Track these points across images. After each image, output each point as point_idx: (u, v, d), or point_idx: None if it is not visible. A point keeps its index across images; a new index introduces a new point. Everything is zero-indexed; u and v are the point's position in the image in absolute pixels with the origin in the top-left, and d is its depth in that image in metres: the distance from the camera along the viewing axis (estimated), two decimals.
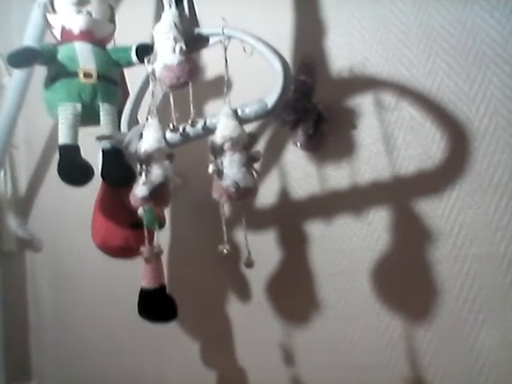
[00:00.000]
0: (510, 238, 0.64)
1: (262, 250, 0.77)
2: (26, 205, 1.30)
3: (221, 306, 0.92)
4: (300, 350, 0.82)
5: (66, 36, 0.73)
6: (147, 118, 0.65)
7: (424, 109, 0.70)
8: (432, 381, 0.69)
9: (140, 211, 0.67)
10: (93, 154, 0.72)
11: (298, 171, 0.82)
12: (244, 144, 0.60)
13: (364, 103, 0.75)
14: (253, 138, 0.62)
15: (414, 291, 0.71)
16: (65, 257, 1.21)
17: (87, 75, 0.71)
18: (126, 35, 0.77)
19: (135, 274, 0.82)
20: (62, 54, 0.71)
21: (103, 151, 0.73)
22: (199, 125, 0.63)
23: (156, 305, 0.81)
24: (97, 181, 0.73)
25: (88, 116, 0.71)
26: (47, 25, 0.75)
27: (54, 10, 0.74)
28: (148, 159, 0.62)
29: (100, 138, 0.72)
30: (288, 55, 0.78)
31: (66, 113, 0.69)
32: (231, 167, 0.59)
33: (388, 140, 0.73)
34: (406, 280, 0.72)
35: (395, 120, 0.73)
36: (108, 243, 0.80)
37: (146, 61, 0.65)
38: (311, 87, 0.78)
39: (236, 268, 0.86)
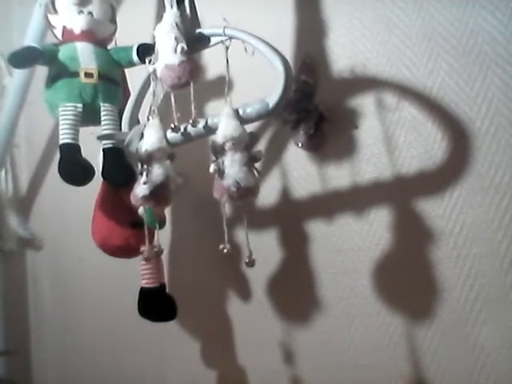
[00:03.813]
0: (511, 238, 0.64)
1: (263, 250, 0.77)
2: (27, 204, 1.30)
3: (221, 306, 0.92)
4: (300, 349, 0.82)
5: (67, 36, 0.73)
6: (148, 118, 0.65)
7: (425, 109, 0.70)
8: (433, 380, 0.69)
9: (140, 211, 0.67)
10: (94, 154, 0.73)
11: (299, 171, 0.82)
12: (245, 144, 0.60)
13: (365, 103, 0.75)
14: (254, 137, 0.62)
15: (415, 291, 0.71)
16: (65, 256, 1.21)
17: (88, 75, 0.71)
18: (128, 35, 0.77)
19: (135, 274, 0.82)
20: (63, 53, 0.71)
21: (104, 151, 0.73)
22: (200, 124, 0.63)
23: (156, 304, 0.82)
24: (97, 180, 0.73)
25: (89, 116, 0.71)
26: (48, 25, 0.75)
27: (55, 10, 0.74)
28: (149, 159, 0.63)
29: (101, 138, 0.72)
30: (289, 55, 0.77)
31: (66, 112, 0.70)
32: (232, 167, 0.59)
33: (389, 140, 0.73)
34: (407, 279, 0.72)
35: (396, 120, 0.73)
36: (108, 242, 0.80)
37: (147, 61, 0.65)
38: (312, 87, 0.78)
39: (237, 267, 0.86)
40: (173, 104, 0.63)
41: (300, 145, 0.79)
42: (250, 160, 0.60)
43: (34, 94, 1.06)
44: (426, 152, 0.70)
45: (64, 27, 0.73)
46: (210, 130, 0.63)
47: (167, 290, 0.83)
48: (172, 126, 0.63)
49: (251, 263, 0.64)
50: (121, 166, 0.71)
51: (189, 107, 0.62)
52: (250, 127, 0.62)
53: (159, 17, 0.65)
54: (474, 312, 0.66)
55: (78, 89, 0.70)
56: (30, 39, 0.97)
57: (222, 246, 0.62)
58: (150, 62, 0.64)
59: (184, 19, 0.64)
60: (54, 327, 1.25)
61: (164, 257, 0.82)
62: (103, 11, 0.74)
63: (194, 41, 0.64)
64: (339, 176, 0.78)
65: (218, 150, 0.60)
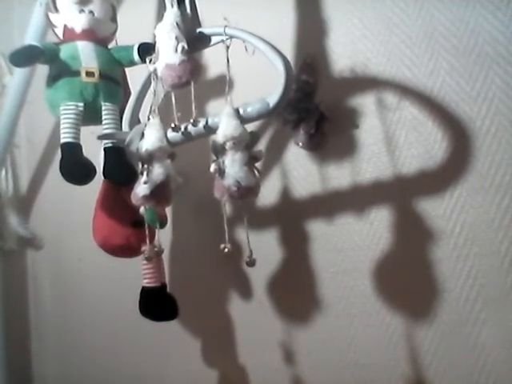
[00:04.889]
0: None
1: (264, 249, 0.77)
2: (28, 203, 1.30)
3: (222, 305, 0.93)
4: (301, 348, 0.82)
5: (68, 35, 0.73)
6: (149, 117, 0.65)
7: (426, 108, 0.70)
8: (433, 380, 0.69)
9: (141, 210, 0.67)
10: (95, 153, 0.73)
11: (300, 170, 0.82)
12: (246, 143, 0.60)
13: (366, 103, 0.75)
14: (255, 137, 0.62)
15: (415, 290, 0.71)
16: (66, 255, 1.21)
17: (89, 74, 0.71)
18: (128, 34, 0.77)
19: (136, 273, 0.82)
20: (64, 52, 0.71)
21: (105, 150, 0.73)
22: (201, 124, 0.63)
23: (157, 304, 0.82)
24: (98, 179, 0.73)
25: (90, 115, 0.71)
26: (49, 24, 0.75)
27: (55, 9, 0.74)
28: (149, 158, 0.63)
29: (101, 137, 0.72)
30: (290, 55, 0.78)
31: (67, 112, 0.70)
32: (233, 166, 0.59)
33: (390, 140, 0.73)
34: (408, 279, 0.72)
35: (397, 120, 0.73)
36: (109, 242, 0.80)
37: (147, 60, 0.65)
38: (313, 87, 0.78)
39: (237, 267, 0.86)
40: (173, 103, 0.63)
41: (300, 144, 0.79)
42: (251, 159, 0.60)
43: (34, 93, 1.06)
44: (426, 152, 0.70)
45: (65, 26, 0.73)
46: (210, 129, 0.63)
47: (168, 290, 0.83)
48: (172, 125, 0.63)
49: (252, 263, 0.64)
50: (122, 165, 0.71)
51: (189, 107, 0.62)
52: (250, 127, 0.62)
53: (160, 16, 0.65)
54: (474, 312, 0.66)
55: (79, 88, 0.70)
56: (30, 38, 0.97)
57: (222, 246, 0.62)
58: (150, 62, 0.64)
59: (184, 18, 0.64)
60: (54, 326, 1.25)
61: (165, 256, 0.82)
62: (104, 10, 0.74)
63: (194, 40, 0.64)
64: (340, 175, 0.78)
65: (219, 150, 0.60)
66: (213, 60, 0.64)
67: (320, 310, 0.80)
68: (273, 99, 0.59)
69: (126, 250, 0.79)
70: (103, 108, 0.71)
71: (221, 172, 0.59)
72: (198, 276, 0.95)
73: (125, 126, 0.71)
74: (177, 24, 0.63)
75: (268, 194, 0.85)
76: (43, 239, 1.26)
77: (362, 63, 0.76)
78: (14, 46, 0.70)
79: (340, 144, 0.78)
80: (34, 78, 1.05)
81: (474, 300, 0.66)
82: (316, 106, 0.77)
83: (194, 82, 0.61)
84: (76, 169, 0.69)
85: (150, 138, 0.63)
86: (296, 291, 0.82)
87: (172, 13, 0.64)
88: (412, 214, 0.71)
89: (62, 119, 0.70)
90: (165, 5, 0.65)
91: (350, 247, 0.77)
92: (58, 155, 0.69)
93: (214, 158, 0.61)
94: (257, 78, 0.76)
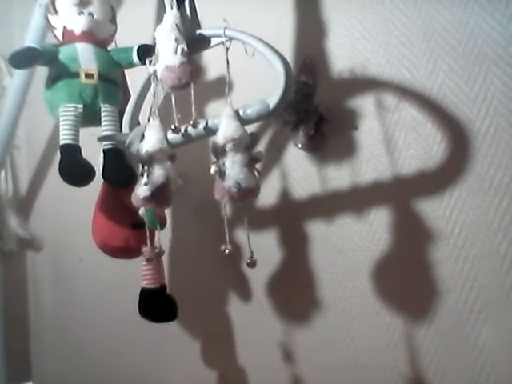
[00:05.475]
0: (511, 239, 0.64)
1: (263, 250, 0.77)
2: (27, 205, 1.30)
3: (221, 306, 0.93)
4: (300, 349, 0.82)
5: (68, 37, 0.73)
6: (149, 119, 0.65)
7: (425, 110, 0.70)
8: (432, 380, 0.70)
9: (141, 211, 0.67)
10: (94, 155, 0.73)
11: (299, 172, 0.83)
12: (246, 145, 0.60)
13: (365, 104, 0.75)
14: (255, 138, 0.62)
15: (414, 291, 0.71)
16: (66, 256, 1.22)
17: (88, 76, 0.71)
18: (128, 36, 0.77)
19: (136, 274, 0.82)
20: (64, 54, 0.71)
21: (104, 152, 0.73)
22: (201, 125, 0.63)
23: (156, 305, 0.82)
24: (98, 181, 0.73)
25: (89, 116, 0.71)
26: (48, 25, 0.75)
27: (55, 11, 0.74)
28: (150, 160, 0.63)
29: (101, 139, 0.72)
30: (289, 56, 0.78)
31: (67, 113, 0.70)
32: (233, 168, 0.59)
33: (389, 141, 0.73)
34: (407, 280, 0.72)
35: (396, 121, 0.73)
36: (109, 243, 0.80)
37: (147, 62, 0.65)
38: (312, 88, 0.78)
39: (237, 268, 0.86)
40: (173, 105, 0.63)
41: (300, 146, 0.80)
42: (251, 161, 0.60)
43: (33, 94, 1.06)
44: (425, 153, 0.70)
45: (64, 28, 0.73)
46: (210, 130, 0.63)
47: (168, 291, 0.84)
48: (172, 126, 0.63)
49: (253, 264, 0.64)
50: (121, 167, 0.71)
51: (189, 108, 0.62)
52: (250, 128, 0.62)
53: (159, 18, 0.65)
54: (473, 313, 0.66)
55: (78, 89, 0.70)
56: (30, 40, 0.97)
57: (223, 247, 0.62)
58: (150, 63, 0.64)
59: (184, 20, 0.64)
60: (54, 327, 1.26)
61: (165, 257, 0.82)
62: (103, 12, 0.74)
63: (194, 42, 0.64)
64: (339, 177, 0.78)
65: (219, 151, 0.60)
66: (212, 61, 0.64)
67: (319, 311, 0.80)
68: (272, 100, 0.59)
69: (126, 252, 0.80)
70: (102, 110, 0.72)
71: (221, 173, 0.59)
72: (198, 277, 0.95)
73: (125, 128, 0.71)
74: (176, 26, 0.63)
75: (268, 195, 0.85)
76: (43, 240, 1.27)
77: (361, 64, 0.76)
78: (13, 48, 0.70)
79: (339, 145, 0.78)
80: (34, 79, 1.05)
81: (473, 301, 0.66)
82: (315, 107, 0.77)
83: (194, 83, 0.61)
84: (75, 170, 0.69)
85: (150, 139, 0.63)
86: (295, 292, 0.83)
87: (171, 14, 0.64)
88: (411, 215, 0.71)
89: (61, 121, 0.70)
90: (164, 6, 0.65)
91: (349, 248, 0.77)
92: (58, 156, 0.69)
93: (214, 159, 0.61)
94: (256, 80, 0.76)
